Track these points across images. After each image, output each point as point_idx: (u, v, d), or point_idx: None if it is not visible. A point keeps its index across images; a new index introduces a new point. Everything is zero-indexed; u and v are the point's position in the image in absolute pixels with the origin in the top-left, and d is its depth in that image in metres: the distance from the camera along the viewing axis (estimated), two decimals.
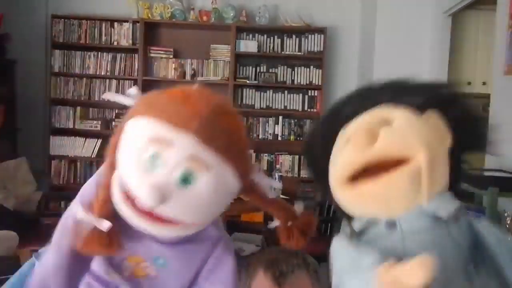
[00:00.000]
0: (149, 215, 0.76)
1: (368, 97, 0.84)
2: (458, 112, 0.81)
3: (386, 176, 0.72)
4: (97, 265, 0.91)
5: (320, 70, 3.87)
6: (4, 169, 3.14)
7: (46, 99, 3.98)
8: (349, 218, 0.85)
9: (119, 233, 0.83)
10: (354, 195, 0.76)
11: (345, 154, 0.77)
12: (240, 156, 0.80)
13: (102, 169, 0.87)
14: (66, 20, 3.89)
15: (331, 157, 0.82)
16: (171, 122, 0.75)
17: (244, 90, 3.95)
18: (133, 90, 0.85)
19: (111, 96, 0.88)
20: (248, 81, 3.92)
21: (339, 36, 4.01)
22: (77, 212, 0.82)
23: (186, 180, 0.74)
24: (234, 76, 3.86)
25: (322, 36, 3.84)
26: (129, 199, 0.77)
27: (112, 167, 0.82)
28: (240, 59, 3.93)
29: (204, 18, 3.88)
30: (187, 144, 0.74)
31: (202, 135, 0.74)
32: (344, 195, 0.79)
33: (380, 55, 3.38)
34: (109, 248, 0.82)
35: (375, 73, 3.38)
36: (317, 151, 0.89)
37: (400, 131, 0.74)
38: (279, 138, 3.95)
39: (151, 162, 0.74)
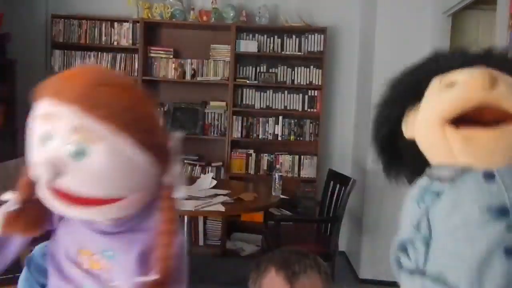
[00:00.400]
0: (62, 195, 0.77)
1: (470, 57, 0.84)
2: None
3: (498, 128, 0.72)
4: (62, 262, 0.93)
5: (320, 70, 3.87)
6: (4, 169, 3.13)
7: None
8: (415, 172, 0.84)
9: (40, 216, 0.87)
10: (460, 138, 0.75)
11: (456, 93, 0.75)
12: (136, 123, 0.79)
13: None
14: (66, 20, 3.89)
15: (424, 100, 0.80)
16: (56, 97, 0.78)
17: (244, 90, 3.95)
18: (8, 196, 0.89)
19: None
20: (248, 81, 3.92)
21: (339, 36, 4.02)
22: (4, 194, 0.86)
23: (78, 153, 0.75)
24: (234, 76, 3.86)
25: (322, 36, 3.84)
26: (52, 190, 0.78)
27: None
28: (240, 59, 3.93)
29: (204, 18, 3.88)
30: (71, 115, 0.75)
31: (84, 103, 0.75)
32: (444, 136, 0.77)
33: (380, 55, 3.38)
34: (23, 229, 0.86)
35: (375, 73, 3.38)
36: (392, 107, 0.87)
37: None
38: (279, 138, 3.95)
39: (42, 138, 0.77)
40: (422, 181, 0.83)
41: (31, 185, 0.83)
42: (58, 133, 0.76)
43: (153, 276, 0.82)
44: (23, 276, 1.01)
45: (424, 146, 0.82)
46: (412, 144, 0.85)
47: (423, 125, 0.80)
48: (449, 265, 0.76)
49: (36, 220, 0.88)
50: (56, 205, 0.80)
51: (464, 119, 0.75)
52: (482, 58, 0.83)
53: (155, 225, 0.88)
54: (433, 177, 0.81)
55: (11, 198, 0.85)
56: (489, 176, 0.76)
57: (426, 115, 0.80)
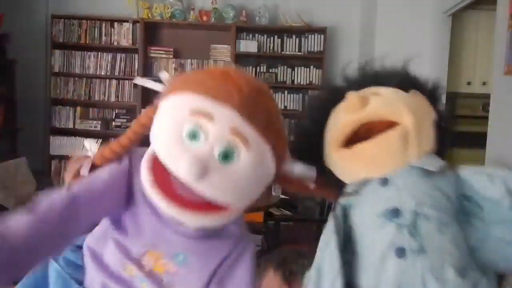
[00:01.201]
0: (179, 200, 0.74)
1: (354, 83, 0.93)
2: (434, 95, 0.91)
3: (378, 137, 0.79)
4: (113, 261, 0.87)
5: (320, 70, 3.87)
6: (4, 169, 3.14)
7: (46, 99, 3.98)
8: (340, 190, 0.90)
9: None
10: (349, 155, 0.82)
11: (340, 119, 0.85)
12: (278, 138, 0.79)
13: (130, 127, 0.87)
14: (66, 20, 3.90)
15: (326, 130, 0.88)
16: (212, 95, 0.74)
17: None
18: (164, 74, 0.85)
19: (141, 81, 0.88)
20: None
21: (339, 36, 4.01)
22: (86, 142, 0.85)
23: (227, 156, 0.73)
24: None
25: (322, 36, 3.84)
26: (160, 182, 0.75)
27: (134, 135, 0.84)
28: (240, 59, 3.93)
29: (204, 18, 3.88)
30: (229, 117, 0.73)
31: (243, 110, 0.73)
32: (339, 158, 0.85)
33: (380, 55, 3.37)
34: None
35: None
36: (309, 135, 0.93)
37: (389, 98, 0.84)
38: None
39: (192, 135, 0.73)
40: (341, 199, 0.89)
41: (109, 160, 0.84)
42: (212, 133, 0.72)
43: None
44: (51, 270, 0.92)
45: (336, 173, 0.89)
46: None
47: (326, 153, 0.88)
48: (360, 272, 0.81)
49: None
50: (165, 208, 0.76)
51: (358, 138, 0.81)
52: (365, 81, 0.92)
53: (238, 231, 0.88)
54: (344, 195, 0.87)
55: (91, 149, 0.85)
56: (383, 182, 0.81)
57: (327, 144, 0.88)
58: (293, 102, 3.94)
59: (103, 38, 3.93)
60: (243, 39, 3.90)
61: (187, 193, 0.74)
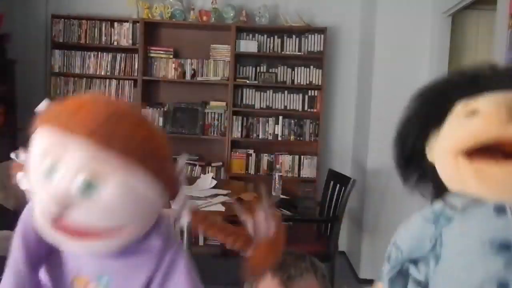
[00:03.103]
0: (64, 229, 0.73)
1: (494, 80, 0.82)
2: None
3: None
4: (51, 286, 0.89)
5: (320, 70, 3.87)
6: (4, 169, 3.13)
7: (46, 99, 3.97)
8: (437, 193, 0.84)
9: None
10: (471, 170, 0.74)
11: (473, 125, 0.74)
12: (149, 157, 0.76)
13: None
14: (66, 20, 3.89)
15: (445, 126, 0.79)
16: (64, 128, 0.72)
17: (244, 90, 3.95)
18: (43, 104, 0.83)
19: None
20: (248, 81, 3.92)
21: (339, 36, 4.01)
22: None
23: (87, 188, 0.71)
24: (234, 76, 3.86)
25: (322, 36, 3.84)
26: (55, 224, 0.74)
27: None
28: (240, 59, 3.93)
29: (204, 18, 3.88)
30: (81, 152, 0.70)
31: (98, 136, 0.70)
32: (456, 167, 0.76)
33: (380, 55, 3.37)
34: None
35: (375, 73, 3.38)
36: (414, 123, 0.86)
37: None
38: (279, 138, 3.95)
39: (49, 171, 0.71)
40: (436, 205, 0.84)
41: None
42: (66, 166, 0.71)
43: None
44: None
45: (441, 173, 0.82)
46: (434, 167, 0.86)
47: (440, 153, 0.80)
48: (446, 287, 0.78)
49: None
50: (57, 239, 0.76)
51: (482, 149, 0.73)
52: (501, 81, 0.81)
53: (160, 246, 0.85)
54: (447, 204, 0.82)
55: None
56: (499, 209, 0.76)
57: (443, 143, 0.79)
58: (293, 102, 3.94)
59: (103, 38, 3.93)
60: (243, 39, 3.90)
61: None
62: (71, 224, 0.73)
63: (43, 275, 0.92)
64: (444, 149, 0.79)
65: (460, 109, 0.78)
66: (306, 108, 3.93)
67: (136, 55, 3.90)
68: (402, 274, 0.86)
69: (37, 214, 0.76)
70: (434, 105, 0.84)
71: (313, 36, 3.87)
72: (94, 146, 0.70)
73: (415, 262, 0.83)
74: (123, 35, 3.93)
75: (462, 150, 0.75)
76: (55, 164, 0.71)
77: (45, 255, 0.89)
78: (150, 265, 0.87)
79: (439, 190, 0.85)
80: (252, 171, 3.95)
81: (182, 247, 0.93)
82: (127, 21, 3.90)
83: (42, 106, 0.83)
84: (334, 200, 3.11)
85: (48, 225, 0.75)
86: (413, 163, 0.88)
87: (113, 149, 0.71)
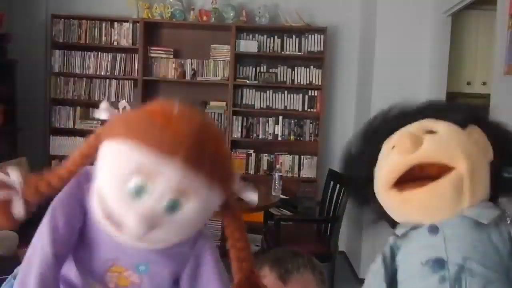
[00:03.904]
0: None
1: (410, 113, 0.89)
2: (495, 129, 0.86)
3: (430, 183, 0.77)
4: (78, 282, 0.89)
5: (320, 70, 3.87)
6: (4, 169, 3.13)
7: (46, 99, 3.98)
8: (393, 224, 0.88)
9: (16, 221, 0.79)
10: (400, 200, 0.81)
11: (391, 159, 0.82)
12: (226, 178, 0.79)
13: (72, 156, 0.84)
14: (66, 20, 3.89)
15: (377, 165, 0.86)
16: (155, 149, 0.71)
17: (244, 90, 3.95)
18: (104, 106, 0.81)
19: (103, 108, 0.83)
20: (248, 81, 3.92)
21: (339, 36, 4.02)
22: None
23: (173, 207, 0.72)
24: (234, 76, 3.86)
25: (322, 36, 3.84)
26: (114, 223, 0.75)
27: (85, 155, 0.81)
28: (240, 59, 3.93)
29: (204, 18, 3.88)
30: (174, 173, 0.71)
31: (189, 163, 0.71)
32: (390, 200, 0.83)
33: (380, 55, 3.37)
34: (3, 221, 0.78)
35: (375, 73, 3.38)
36: (358, 166, 0.92)
37: (444, 139, 0.79)
38: (279, 138, 3.95)
39: (137, 192, 0.71)
40: (390, 239, 0.88)
41: (42, 192, 0.80)
42: (157, 189, 0.71)
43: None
44: None
45: (384, 207, 0.87)
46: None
47: (377, 191, 0.86)
48: None
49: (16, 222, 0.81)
50: (122, 240, 0.78)
51: (410, 176, 0.79)
52: (422, 112, 0.88)
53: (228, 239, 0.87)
54: (394, 235, 0.86)
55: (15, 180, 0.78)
56: (433, 229, 0.79)
57: (377, 181, 0.85)
58: (293, 102, 3.94)
59: (103, 38, 3.93)
60: (243, 39, 3.90)
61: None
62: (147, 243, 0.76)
63: (69, 271, 0.90)
64: (378, 186, 0.85)
65: (384, 147, 0.86)
66: (306, 108, 3.93)
67: (136, 55, 3.90)
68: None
69: (99, 210, 0.76)
70: (370, 148, 0.90)
71: (313, 36, 3.87)
72: (186, 171, 0.71)
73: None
74: (123, 35, 3.93)
75: (390, 183, 0.81)
76: (145, 185, 0.71)
77: (72, 247, 0.88)
78: (183, 252, 0.89)
79: (393, 222, 0.90)
80: (252, 171, 3.95)
81: (208, 233, 0.96)
82: (127, 21, 3.90)
83: (122, 105, 0.82)
84: (334, 200, 3.11)
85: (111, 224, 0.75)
86: (366, 199, 0.94)
87: (201, 172, 0.72)
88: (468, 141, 0.80)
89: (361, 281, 3.56)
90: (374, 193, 0.87)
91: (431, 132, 0.81)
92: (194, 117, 0.77)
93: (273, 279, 1.03)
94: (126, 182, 0.72)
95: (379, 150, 0.87)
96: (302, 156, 3.94)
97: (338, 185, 3.12)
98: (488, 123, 0.88)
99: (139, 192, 0.71)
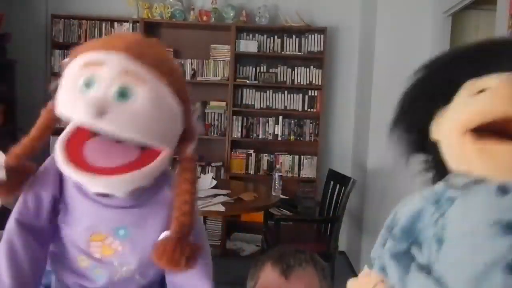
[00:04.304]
0: (92, 169, 0.77)
1: (500, 55, 0.80)
2: None
3: None
4: (68, 256, 0.93)
5: (320, 70, 3.87)
6: None
7: (46, 99, 3.96)
8: (439, 174, 0.82)
9: (22, 182, 0.90)
10: (476, 149, 0.73)
11: (481, 101, 0.73)
12: (172, 74, 0.83)
13: (33, 127, 0.93)
14: (66, 20, 3.90)
15: (451, 106, 0.78)
16: (100, 48, 0.80)
17: (244, 90, 3.95)
18: (66, 60, 0.88)
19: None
20: (248, 81, 3.92)
21: (339, 36, 4.02)
22: None
23: (123, 94, 0.76)
24: (234, 76, 3.86)
25: (322, 36, 3.84)
26: (74, 159, 0.79)
27: (41, 128, 0.92)
28: (240, 59, 3.93)
29: (204, 18, 3.88)
30: (118, 60, 0.77)
31: (131, 51, 0.78)
32: (461, 144, 0.75)
33: (380, 55, 3.37)
34: (5, 194, 0.89)
35: (375, 73, 3.38)
36: (419, 107, 0.85)
37: None
38: (279, 138, 3.95)
39: (86, 83, 0.77)
40: (438, 186, 0.82)
41: (23, 156, 0.89)
42: (104, 76, 0.76)
43: (168, 232, 0.82)
44: None
45: (445, 151, 0.80)
46: (437, 146, 0.84)
47: (446, 131, 0.79)
48: (451, 271, 0.75)
49: (15, 188, 0.90)
50: (79, 178, 0.80)
51: (491, 129, 0.72)
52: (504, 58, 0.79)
53: (174, 187, 0.88)
54: (448, 184, 0.80)
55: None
56: (503, 190, 0.73)
57: (450, 121, 0.78)
58: (293, 102, 3.94)
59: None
60: (243, 39, 3.90)
61: (99, 160, 0.79)
62: (103, 132, 0.78)
63: (58, 248, 0.95)
64: (450, 127, 0.77)
65: (467, 87, 0.77)
66: (306, 108, 3.93)
67: None
68: (407, 256, 0.83)
69: (58, 153, 0.82)
70: (441, 83, 0.82)
71: (313, 36, 3.87)
72: (128, 59, 0.78)
73: (419, 245, 0.81)
74: None
75: (469, 128, 0.73)
76: (93, 76, 0.77)
77: (44, 218, 0.93)
78: (164, 215, 0.92)
79: (441, 173, 0.83)
80: (252, 171, 3.95)
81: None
82: (127, 21, 3.90)
83: (65, 61, 0.88)
84: (334, 200, 3.11)
85: (78, 168, 0.78)
86: (416, 142, 0.87)
87: (144, 62, 0.78)
88: None
89: None
90: (427, 142, 0.81)
91: None
92: (137, 35, 0.88)
93: (275, 274, 1.03)
94: (77, 79, 0.78)
95: (451, 89, 0.79)
96: (302, 156, 3.94)
97: (338, 185, 3.12)
98: None
99: (87, 84, 0.77)
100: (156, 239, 0.88)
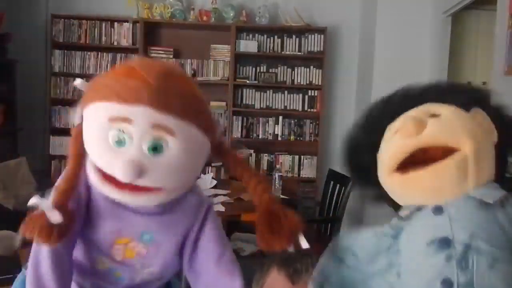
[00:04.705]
0: (130, 187, 0.78)
1: (413, 97, 0.89)
2: (498, 112, 0.86)
3: (435, 164, 0.76)
4: (85, 259, 0.93)
5: (320, 70, 3.87)
6: (4, 169, 3.13)
7: (46, 99, 3.98)
8: (395, 208, 0.88)
9: (68, 228, 0.82)
10: (403, 182, 0.80)
11: (394, 142, 0.82)
12: (199, 113, 0.82)
13: (68, 158, 0.88)
14: (66, 20, 3.89)
15: (380, 150, 0.86)
16: (122, 99, 0.76)
17: (244, 90, 3.95)
18: (78, 82, 0.87)
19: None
20: (248, 81, 3.92)
21: (339, 36, 4.01)
22: (32, 198, 0.81)
23: (156, 149, 0.76)
24: (234, 76, 3.86)
25: (322, 36, 3.84)
26: (107, 177, 0.79)
27: (75, 158, 0.85)
28: (240, 59, 3.93)
29: (204, 18, 3.88)
30: (145, 115, 0.76)
31: (155, 103, 0.76)
32: (394, 182, 0.83)
33: (380, 55, 3.37)
34: (51, 239, 0.79)
35: (375, 73, 3.38)
36: (360, 151, 0.92)
37: (447, 121, 0.79)
38: (279, 138, 3.95)
39: (118, 141, 0.77)
40: (392, 221, 0.88)
41: (70, 192, 0.83)
42: (134, 134, 0.76)
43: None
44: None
45: (387, 191, 0.87)
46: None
47: (380, 175, 0.86)
48: None
49: (69, 229, 0.83)
50: (118, 197, 0.81)
51: (413, 160, 0.79)
52: (425, 95, 0.88)
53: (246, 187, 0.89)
54: (399, 217, 0.86)
55: (45, 204, 0.79)
56: (437, 210, 0.79)
57: (379, 165, 0.86)
58: (293, 102, 3.94)
59: (103, 38, 3.93)
60: (243, 39, 3.90)
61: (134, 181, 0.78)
62: (144, 187, 0.79)
63: (77, 251, 0.94)
64: (381, 171, 0.85)
65: (387, 132, 0.86)
66: (306, 108, 3.93)
67: (136, 55, 3.89)
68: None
69: (92, 174, 0.81)
70: (372, 133, 0.89)
71: (313, 36, 3.87)
72: (155, 111, 0.76)
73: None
74: (123, 35, 3.92)
75: (393, 167, 0.81)
76: (123, 133, 0.77)
77: (79, 223, 0.90)
78: (187, 221, 0.95)
79: (395, 206, 0.89)
80: None
81: (212, 204, 1.01)
82: (127, 21, 3.90)
83: (78, 83, 0.87)
84: (334, 200, 3.11)
85: (119, 188, 0.79)
86: (369, 184, 0.93)
87: (171, 112, 0.77)
88: (472, 122, 0.79)
89: None
90: (377, 178, 0.87)
91: (434, 115, 0.81)
92: (154, 64, 0.83)
93: (282, 279, 1.03)
94: (106, 134, 0.77)
95: (381, 136, 0.87)
96: (302, 156, 3.94)
97: (338, 185, 3.12)
98: (492, 105, 0.87)
99: (119, 142, 0.77)
100: (179, 243, 0.93)
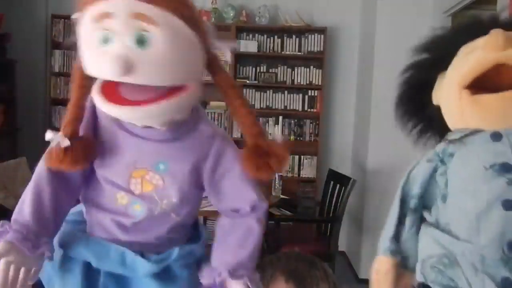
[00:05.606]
0: (129, 103, 0.79)
1: (495, 22, 0.92)
2: None
3: (509, 91, 0.78)
4: (105, 197, 0.95)
5: (320, 70, 3.87)
6: (4, 169, 3.13)
7: (46, 99, 3.98)
8: (440, 135, 0.91)
9: (87, 151, 0.89)
10: (472, 101, 0.81)
11: (475, 56, 0.81)
12: (180, 3, 0.81)
13: (71, 91, 0.90)
14: (66, 20, 3.89)
15: (451, 66, 0.86)
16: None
17: (244, 90, 3.95)
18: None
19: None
20: (248, 81, 3.92)
21: (339, 36, 4.01)
22: (46, 134, 0.87)
23: (140, 41, 0.76)
24: (234, 76, 3.86)
25: (322, 36, 3.84)
26: (107, 94, 0.80)
27: (80, 86, 0.87)
28: (240, 59, 3.93)
29: (204, 18, 3.88)
30: (123, 5, 0.75)
31: None
32: (462, 99, 0.83)
33: (380, 55, 3.37)
34: (72, 164, 0.86)
35: (375, 73, 3.38)
36: (420, 68, 0.95)
37: None
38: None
39: (104, 39, 0.77)
40: (438, 146, 0.89)
41: (76, 121, 0.87)
42: (117, 26, 0.75)
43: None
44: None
45: (444, 111, 0.88)
46: (439, 110, 0.92)
47: (445, 90, 0.86)
48: (454, 217, 0.82)
49: (83, 155, 0.88)
50: (114, 112, 0.81)
51: (485, 85, 0.79)
52: (508, 25, 0.90)
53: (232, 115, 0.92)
54: (446, 141, 0.87)
55: (56, 136, 0.85)
56: (496, 136, 0.80)
57: (448, 80, 0.86)
58: (293, 102, 3.94)
59: None
60: (243, 39, 3.90)
61: (135, 96, 0.79)
62: (131, 86, 0.79)
63: (94, 191, 0.97)
64: (448, 86, 0.85)
65: (462, 51, 0.86)
66: (306, 108, 3.93)
67: None
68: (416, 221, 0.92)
69: (96, 97, 0.81)
70: (441, 51, 0.93)
71: (313, 36, 3.87)
72: (135, 2, 0.76)
73: (429, 209, 0.90)
74: None
75: (465, 84, 0.81)
76: (106, 32, 0.77)
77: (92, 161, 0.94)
78: (201, 149, 0.95)
79: (439, 135, 0.92)
80: None
81: (228, 136, 1.02)
82: None
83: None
84: (334, 200, 3.11)
85: (113, 101, 0.79)
86: (419, 111, 0.95)
87: (153, 2, 0.76)
88: None
89: (361, 281, 3.57)
90: (428, 100, 0.88)
91: None
92: None
93: None
94: (93, 39, 0.78)
95: (447, 56, 0.88)
96: (302, 156, 3.94)
97: (338, 185, 3.13)
98: None
99: (105, 40, 0.77)
100: (193, 172, 0.94)
